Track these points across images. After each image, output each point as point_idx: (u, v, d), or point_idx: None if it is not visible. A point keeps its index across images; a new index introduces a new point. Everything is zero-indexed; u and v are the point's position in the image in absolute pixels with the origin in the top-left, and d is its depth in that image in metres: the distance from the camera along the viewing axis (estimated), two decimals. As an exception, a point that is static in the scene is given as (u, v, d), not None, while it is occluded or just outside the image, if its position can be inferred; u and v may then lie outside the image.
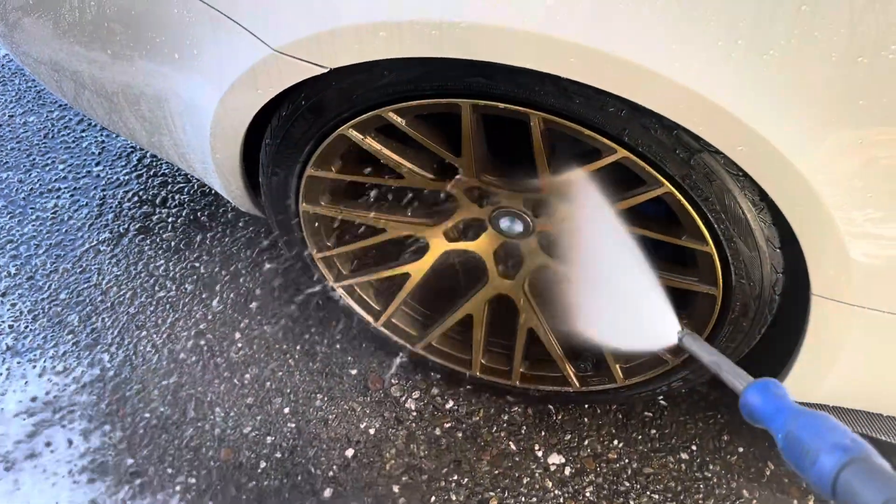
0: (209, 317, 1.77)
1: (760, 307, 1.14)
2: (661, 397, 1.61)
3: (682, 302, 1.26)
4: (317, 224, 1.38)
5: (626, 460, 1.53)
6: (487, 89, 1.00)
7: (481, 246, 1.38)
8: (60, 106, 2.32)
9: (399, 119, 1.11)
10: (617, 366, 1.38)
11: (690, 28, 0.85)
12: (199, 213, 2.01)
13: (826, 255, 1.02)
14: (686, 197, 1.03)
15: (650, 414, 1.59)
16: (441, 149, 1.16)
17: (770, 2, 0.81)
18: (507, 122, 1.09)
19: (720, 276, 1.12)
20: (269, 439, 1.55)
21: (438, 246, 1.40)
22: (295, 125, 1.17)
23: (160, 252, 1.91)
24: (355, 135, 1.16)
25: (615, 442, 1.55)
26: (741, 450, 1.53)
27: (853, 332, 1.11)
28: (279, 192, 1.31)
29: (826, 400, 1.32)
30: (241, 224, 1.98)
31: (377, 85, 1.05)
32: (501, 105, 1.02)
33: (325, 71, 1.05)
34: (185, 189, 2.07)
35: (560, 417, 1.59)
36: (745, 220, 1.02)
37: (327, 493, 1.48)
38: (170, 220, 1.99)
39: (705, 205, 1.02)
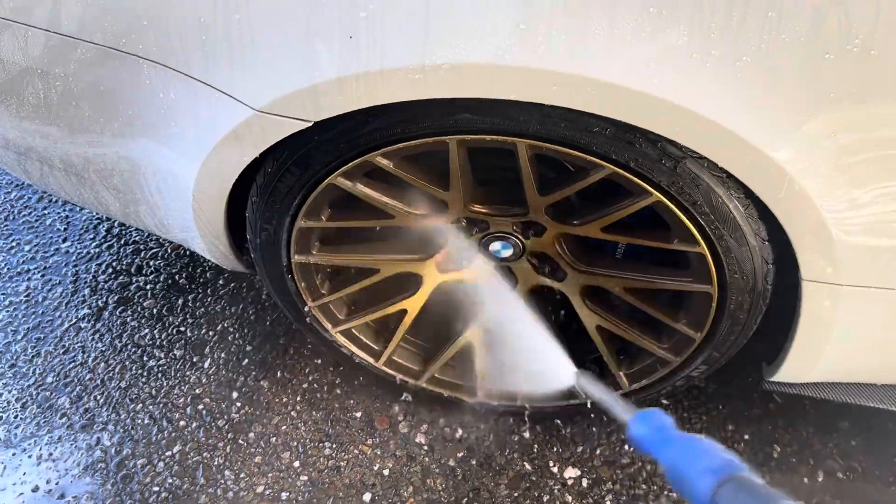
0: (203, 380, 1.74)
1: (755, 299, 1.18)
2: (663, 398, 1.64)
3: (678, 303, 1.29)
4: (309, 273, 1.39)
5: (640, 464, 1.55)
6: (473, 124, 1.02)
7: (474, 274, 1.40)
8: (17, 186, 2.27)
9: (387, 162, 1.13)
10: (621, 372, 1.41)
11: (666, 44, 0.89)
12: (176, 276, 1.98)
13: (812, 241, 1.07)
14: (675, 203, 1.06)
15: (655, 414, 1.62)
16: (430, 185, 1.18)
17: (739, 12, 0.85)
18: (491, 151, 1.12)
19: (714, 274, 1.15)
20: (283, 495, 1.54)
21: (432, 278, 1.41)
22: (282, 180, 1.18)
23: (143, 321, 1.88)
24: (344, 182, 1.17)
25: (626, 447, 1.58)
26: (747, 437, 1.57)
27: (844, 309, 1.16)
28: (269, 247, 1.31)
29: (824, 377, 1.36)
30: (220, 282, 1.96)
31: (363, 132, 1.07)
32: (489, 137, 1.04)
33: (310, 124, 1.07)
34: (159, 254, 2.05)
35: (569, 431, 1.61)
36: (734, 217, 1.06)
37: (351, 540, 1.47)
38: (148, 287, 1.97)
39: (694, 208, 1.06)
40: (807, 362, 1.31)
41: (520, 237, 1.29)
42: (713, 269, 1.15)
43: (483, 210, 1.25)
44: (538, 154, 1.08)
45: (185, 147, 1.22)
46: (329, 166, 1.14)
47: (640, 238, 1.20)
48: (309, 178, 1.16)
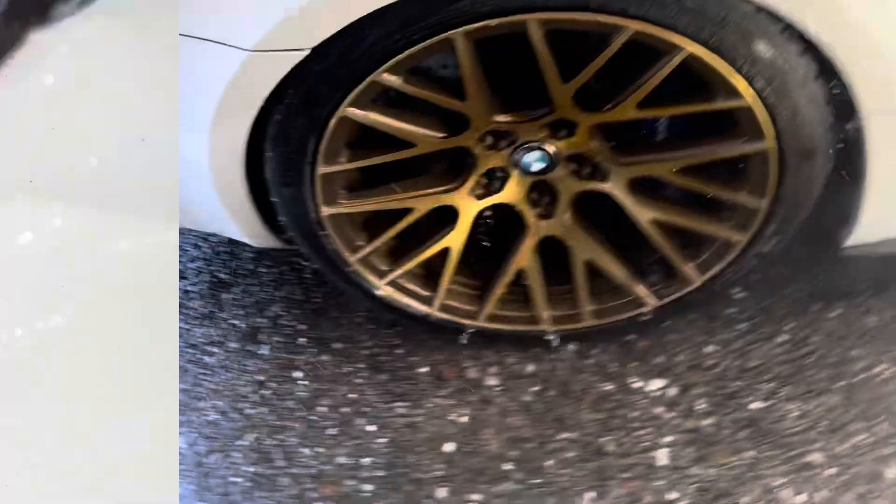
0: (264, 366, 1.71)
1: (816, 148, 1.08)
2: (738, 290, 1.55)
3: (736, 174, 1.20)
4: (343, 225, 1.33)
5: (727, 362, 1.46)
6: (474, 8, 0.95)
7: (511, 195, 1.33)
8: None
9: (395, 79, 1.06)
10: (688, 265, 1.32)
11: None
12: (217, 274, 1.96)
13: (866, 66, 0.97)
14: (710, 52, 0.97)
15: (733, 310, 1.53)
16: (445, 98, 1.12)
17: None
18: (502, 46, 1.04)
19: (768, 128, 1.06)
20: (365, 461, 1.49)
21: (468, 209, 1.34)
22: (292, 125, 1.12)
23: (194, 322, 1.86)
24: (356, 112, 1.11)
25: (708, 348, 1.49)
26: (838, 311, 1.47)
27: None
28: (295, 203, 1.26)
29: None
30: (262, 270, 1.93)
31: (363, 48, 1.01)
32: (494, 22, 0.97)
33: (307, 53, 1.01)
34: (195, 256, 2.02)
35: (644, 344, 1.53)
36: (778, 59, 0.96)
37: (442, 492, 1.41)
38: (191, 289, 1.94)
39: (733, 55, 0.97)
40: (886, 212, 1.21)
41: (552, 141, 1.22)
42: (765, 121, 1.05)
43: (507, 119, 1.18)
44: (552, 31, 1.00)
45: (190, 118, 1.17)
46: (336, 96, 1.07)
47: (681, 106, 1.11)
48: (319, 115, 1.10)
